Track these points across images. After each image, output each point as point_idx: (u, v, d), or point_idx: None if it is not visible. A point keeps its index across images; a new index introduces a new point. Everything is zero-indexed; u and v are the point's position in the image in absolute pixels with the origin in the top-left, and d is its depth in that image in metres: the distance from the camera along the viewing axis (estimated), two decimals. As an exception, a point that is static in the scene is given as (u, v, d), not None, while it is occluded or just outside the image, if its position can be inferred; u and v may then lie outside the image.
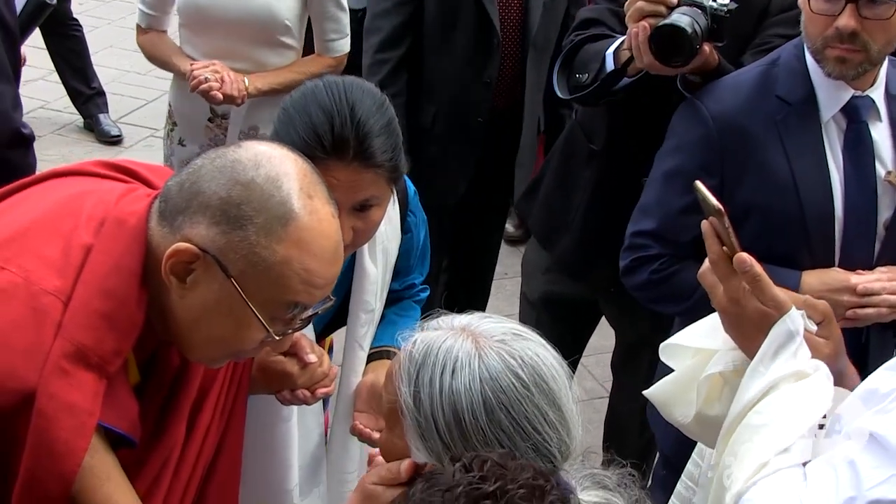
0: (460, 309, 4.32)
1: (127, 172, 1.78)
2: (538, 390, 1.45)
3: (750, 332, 1.66)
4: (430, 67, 3.51)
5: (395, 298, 2.45)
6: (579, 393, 3.82)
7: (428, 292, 2.57)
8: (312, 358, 2.01)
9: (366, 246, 2.19)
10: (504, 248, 4.65)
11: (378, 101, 1.98)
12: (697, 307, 2.35)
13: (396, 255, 2.34)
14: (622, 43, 2.61)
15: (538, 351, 1.50)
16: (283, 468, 2.22)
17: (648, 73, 2.60)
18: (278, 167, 1.58)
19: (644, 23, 2.45)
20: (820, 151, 2.34)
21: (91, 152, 6.14)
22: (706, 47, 2.47)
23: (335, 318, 2.36)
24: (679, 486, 2.11)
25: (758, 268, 1.64)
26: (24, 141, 3.02)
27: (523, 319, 3.38)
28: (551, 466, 1.45)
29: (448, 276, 4.20)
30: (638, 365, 3.29)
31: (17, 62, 2.97)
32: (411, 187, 2.36)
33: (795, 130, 2.33)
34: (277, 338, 1.63)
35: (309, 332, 2.09)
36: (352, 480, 2.44)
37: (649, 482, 3.63)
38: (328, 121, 1.89)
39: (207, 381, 1.92)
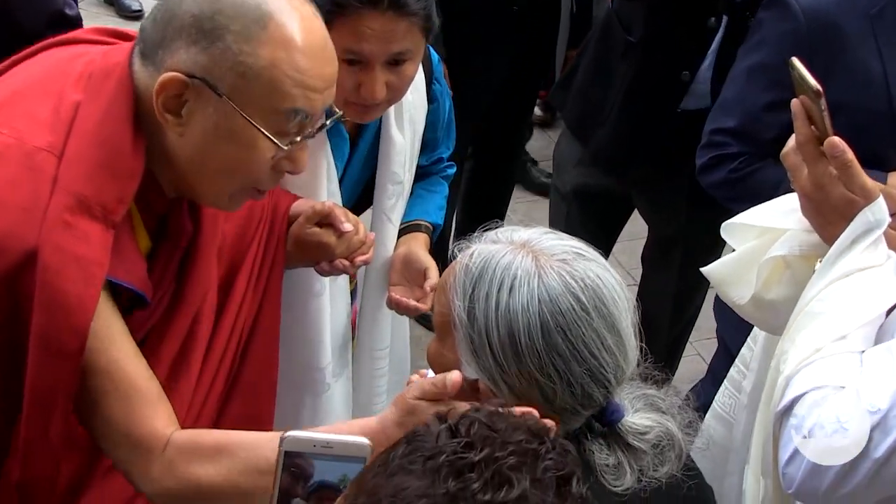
0: (487, 191, 4.35)
1: (123, 37, 1.74)
2: (597, 314, 1.42)
3: (833, 218, 1.61)
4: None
5: (422, 174, 2.45)
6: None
7: (455, 169, 2.57)
8: (348, 226, 2.01)
9: (392, 115, 2.19)
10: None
11: None
12: None
13: (424, 126, 2.32)
14: None
15: (599, 273, 1.45)
16: (314, 345, 2.23)
17: None
18: None
19: None
20: None
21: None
22: None
23: (363, 195, 2.35)
24: (732, 371, 2.11)
25: (849, 153, 1.59)
26: (69, 21, 2.91)
27: (554, 212, 3.38)
28: (605, 391, 1.43)
29: (473, 162, 4.18)
30: (670, 260, 3.27)
31: None
32: (435, 56, 2.34)
33: (890, 25, 2.20)
34: (285, 147, 1.57)
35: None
36: (383, 357, 2.47)
37: (676, 371, 3.67)
38: None
39: (238, 257, 1.93)
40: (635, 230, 3.60)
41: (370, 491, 1.08)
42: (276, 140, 1.55)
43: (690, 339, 3.62)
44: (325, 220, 2.01)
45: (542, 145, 5.25)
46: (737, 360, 2.12)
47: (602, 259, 1.49)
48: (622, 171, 3.08)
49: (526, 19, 3.57)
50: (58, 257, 1.46)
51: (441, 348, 1.53)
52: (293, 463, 1.34)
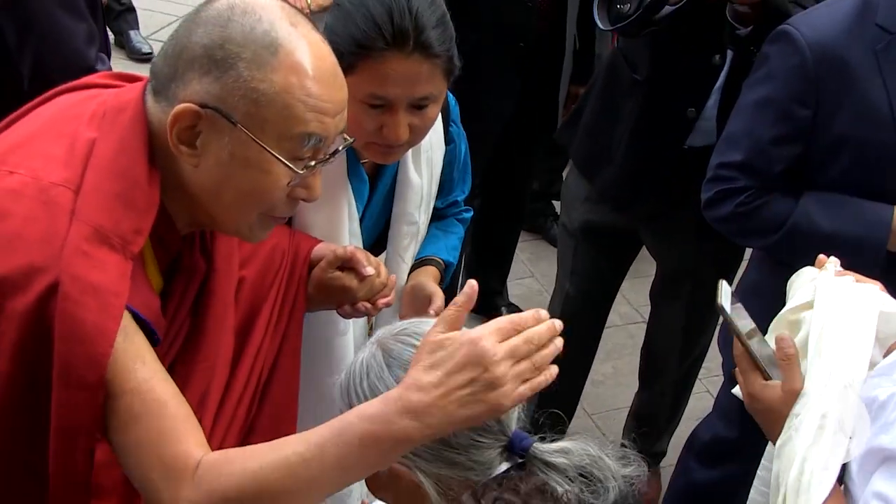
0: (495, 229, 4.35)
1: (134, 80, 1.75)
2: None
3: (776, 426, 1.62)
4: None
5: (438, 216, 2.46)
6: (613, 318, 3.80)
7: (471, 213, 2.57)
8: (370, 270, 2.02)
9: (409, 156, 2.20)
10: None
11: None
12: (784, 241, 2.34)
13: (441, 167, 2.34)
14: None
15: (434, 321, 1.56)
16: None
17: (691, 1, 2.56)
18: (253, 3, 1.55)
19: None
20: None
21: (122, 70, 6.09)
22: None
23: (382, 237, 2.36)
24: (760, 470, 2.10)
25: (793, 348, 1.61)
26: None
27: (562, 249, 3.39)
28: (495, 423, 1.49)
29: (482, 200, 4.20)
30: (678, 295, 3.28)
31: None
32: (451, 98, 2.36)
33: None
34: (300, 172, 1.58)
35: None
36: None
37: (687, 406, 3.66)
38: (387, 12, 1.91)
39: (257, 301, 1.95)
40: (642, 268, 3.61)
41: None
42: (291, 165, 1.56)
43: (699, 376, 3.62)
44: (346, 264, 2.03)
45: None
46: (763, 458, 2.12)
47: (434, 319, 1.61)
48: (629, 208, 3.09)
49: (532, 56, 3.61)
50: (76, 286, 1.46)
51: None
52: None
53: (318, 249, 2.07)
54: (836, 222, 2.29)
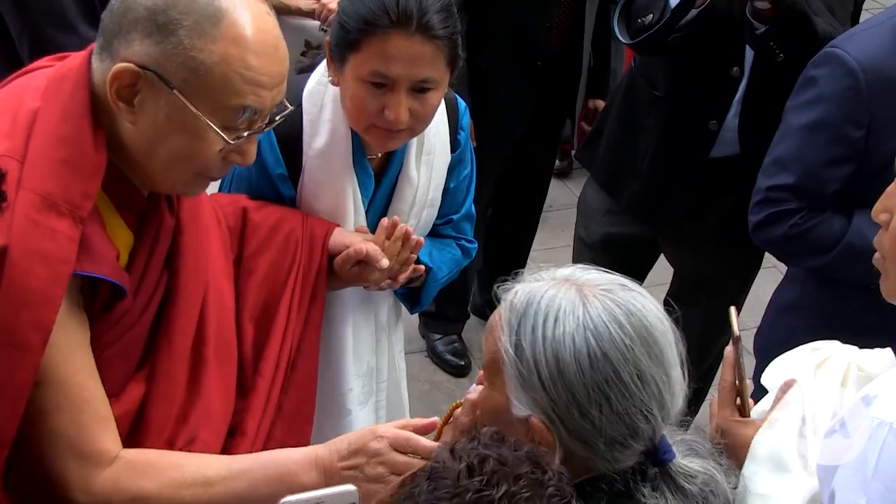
0: (508, 239, 4.34)
1: None
2: (642, 342, 1.41)
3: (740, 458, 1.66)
4: (489, 9, 3.48)
5: (435, 233, 2.46)
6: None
7: (475, 246, 2.55)
8: (384, 264, 2.11)
9: (412, 157, 2.24)
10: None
11: None
12: (838, 260, 2.35)
13: (445, 173, 2.35)
14: None
15: (644, 303, 1.45)
16: (338, 370, 2.31)
17: (713, 5, 2.62)
18: None
19: None
20: None
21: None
22: None
23: None
24: None
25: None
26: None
27: (577, 261, 3.42)
28: (650, 425, 1.42)
29: (494, 209, 4.24)
30: (696, 300, 3.30)
31: (90, 5, 2.73)
32: (462, 104, 2.38)
33: None
34: (232, 142, 1.60)
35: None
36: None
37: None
38: None
39: (277, 287, 2.02)
40: (655, 277, 3.65)
41: None
42: (223, 135, 1.59)
43: (713, 383, 3.63)
44: (363, 260, 2.10)
45: (558, 194, 5.31)
46: None
47: (644, 290, 1.49)
48: (653, 219, 3.13)
49: (549, 73, 3.67)
50: (25, 254, 1.50)
51: (490, 390, 1.51)
52: None
53: (335, 241, 2.12)
54: None
